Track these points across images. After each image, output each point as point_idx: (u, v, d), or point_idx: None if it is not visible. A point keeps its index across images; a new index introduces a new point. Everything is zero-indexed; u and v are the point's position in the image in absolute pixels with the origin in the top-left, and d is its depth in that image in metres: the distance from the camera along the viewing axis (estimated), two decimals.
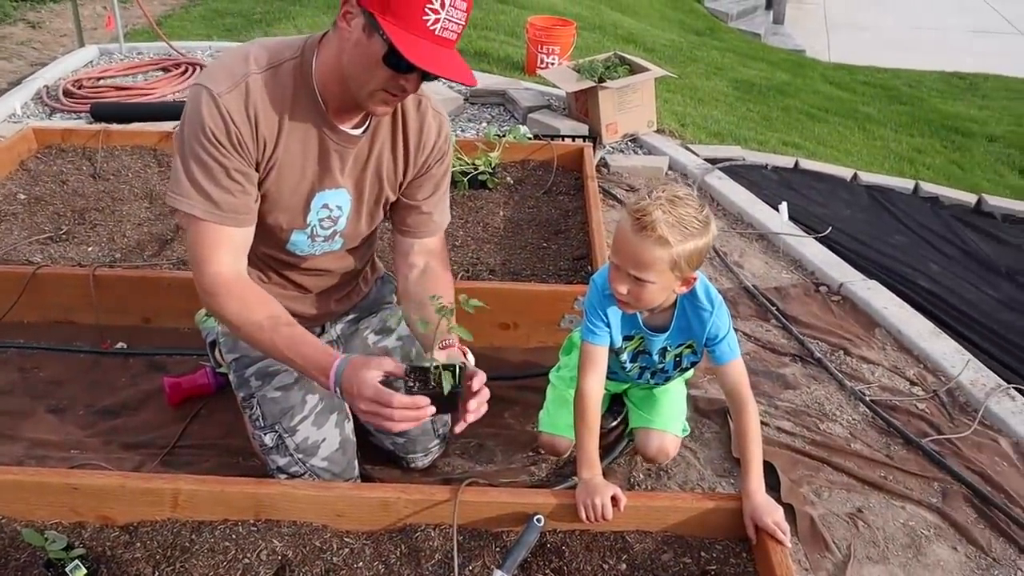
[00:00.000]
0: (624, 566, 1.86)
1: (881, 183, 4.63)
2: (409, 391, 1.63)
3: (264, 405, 2.01)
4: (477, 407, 1.69)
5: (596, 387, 1.93)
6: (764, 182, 4.38)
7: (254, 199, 1.77)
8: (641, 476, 2.29)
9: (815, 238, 3.73)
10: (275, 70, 1.71)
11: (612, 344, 1.97)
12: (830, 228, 3.83)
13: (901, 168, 5.33)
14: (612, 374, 2.14)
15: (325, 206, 1.89)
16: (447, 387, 1.62)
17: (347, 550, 1.86)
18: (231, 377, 2.10)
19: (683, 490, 2.25)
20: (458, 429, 1.71)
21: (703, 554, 1.89)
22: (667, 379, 2.13)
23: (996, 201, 4.57)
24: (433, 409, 1.62)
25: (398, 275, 2.05)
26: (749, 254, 3.61)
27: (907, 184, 4.65)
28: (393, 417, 1.60)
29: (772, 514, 1.82)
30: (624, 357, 2.03)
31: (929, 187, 4.65)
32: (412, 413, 1.60)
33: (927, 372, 2.86)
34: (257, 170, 1.75)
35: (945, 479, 2.37)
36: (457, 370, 1.65)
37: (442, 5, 1.57)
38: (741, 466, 1.93)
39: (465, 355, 1.80)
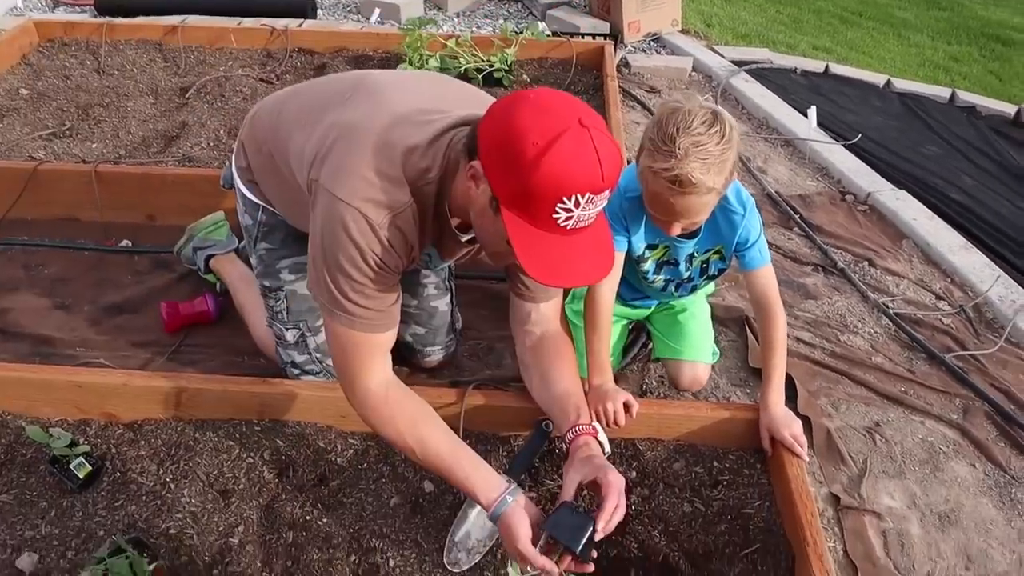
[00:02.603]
0: (635, 473, 1.83)
1: (916, 91, 4.42)
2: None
3: (292, 300, 1.96)
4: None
5: (609, 293, 1.85)
6: (792, 86, 4.20)
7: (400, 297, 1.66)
8: (654, 383, 2.24)
9: (843, 145, 3.58)
10: (422, 189, 1.52)
11: (632, 252, 1.88)
12: (860, 135, 3.67)
13: (936, 77, 5.10)
14: (633, 294, 2.06)
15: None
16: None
17: (351, 451, 1.84)
18: (254, 263, 2.00)
19: (696, 399, 2.20)
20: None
21: (715, 463, 1.85)
22: (693, 289, 2.03)
23: None
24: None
25: (516, 340, 1.86)
26: (774, 160, 3.48)
27: (943, 92, 4.44)
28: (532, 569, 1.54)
29: (790, 426, 1.78)
30: (647, 266, 1.94)
31: (967, 96, 4.44)
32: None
33: (954, 287, 2.77)
34: None
35: (967, 396, 2.30)
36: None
37: (576, 204, 1.28)
38: (762, 376, 1.86)
39: (596, 435, 1.66)
